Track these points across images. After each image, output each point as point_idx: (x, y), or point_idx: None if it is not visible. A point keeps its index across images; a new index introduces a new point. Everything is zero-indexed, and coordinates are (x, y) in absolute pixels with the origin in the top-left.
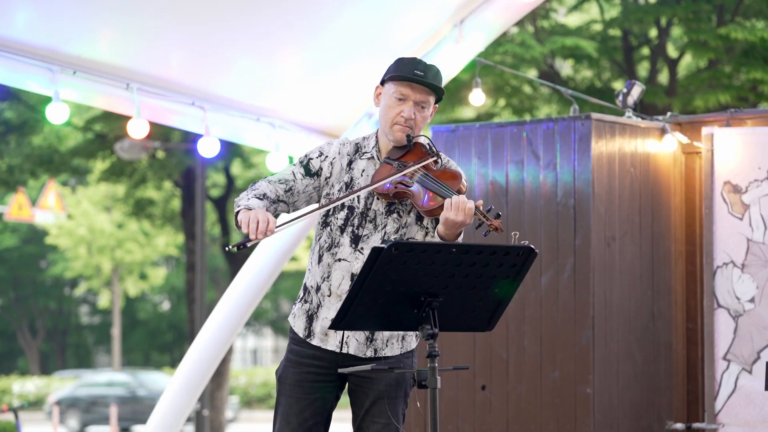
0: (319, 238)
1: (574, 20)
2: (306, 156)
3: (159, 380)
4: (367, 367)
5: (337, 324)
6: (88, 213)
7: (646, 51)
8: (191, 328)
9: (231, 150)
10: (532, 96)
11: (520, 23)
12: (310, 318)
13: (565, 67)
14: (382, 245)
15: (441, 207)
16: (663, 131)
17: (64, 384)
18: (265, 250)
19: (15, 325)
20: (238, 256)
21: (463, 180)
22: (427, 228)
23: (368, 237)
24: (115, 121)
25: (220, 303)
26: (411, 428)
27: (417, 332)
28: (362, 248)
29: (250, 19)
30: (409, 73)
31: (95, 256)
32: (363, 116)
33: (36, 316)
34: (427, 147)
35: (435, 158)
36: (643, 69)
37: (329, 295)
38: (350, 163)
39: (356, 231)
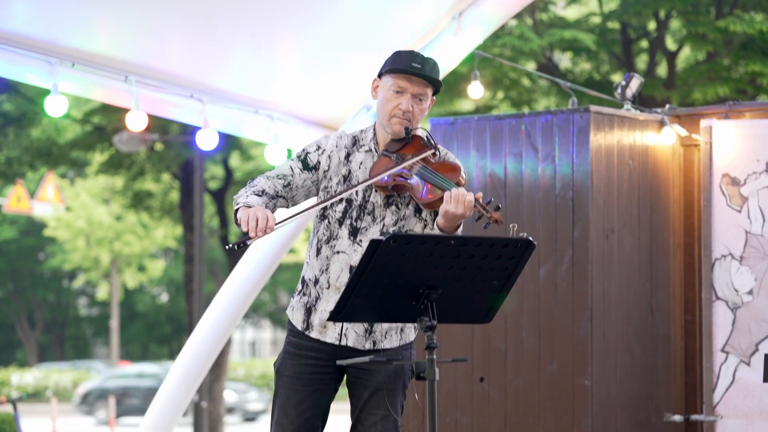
0: (317, 230)
1: (572, 13)
2: (303, 150)
3: None
4: (366, 359)
5: (336, 316)
6: (86, 205)
7: (644, 43)
8: (189, 320)
9: (229, 142)
10: (530, 89)
11: (518, 16)
12: (309, 311)
13: (564, 60)
14: (381, 237)
15: (440, 200)
16: (661, 124)
17: (62, 376)
18: (263, 243)
19: (14, 317)
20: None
21: (462, 172)
22: (425, 220)
23: (367, 229)
24: (114, 114)
25: (218, 295)
26: (409, 420)
27: (415, 324)
28: (361, 240)
29: (248, 12)
30: (407, 66)
31: (94, 248)
32: (361, 109)
33: (34, 308)
34: (425, 139)
35: (433, 150)
36: (641, 61)
37: (328, 288)
38: (348, 155)
39: (354, 223)
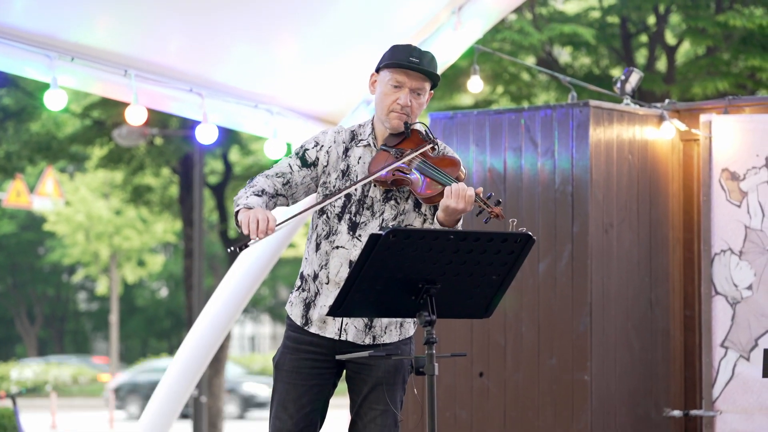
0: (316, 226)
1: (572, 7)
2: (302, 147)
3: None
4: (365, 354)
5: (335, 310)
6: (86, 200)
7: (644, 38)
8: (189, 314)
9: (229, 137)
10: (530, 83)
11: (518, 10)
12: (307, 306)
13: (564, 55)
14: (380, 232)
15: (440, 194)
16: (661, 118)
17: (61, 370)
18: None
19: (13, 311)
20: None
21: (461, 167)
22: (425, 215)
23: (366, 224)
24: (113, 108)
25: (218, 290)
26: (408, 415)
27: (415, 319)
28: (360, 235)
29: (248, 6)
30: (405, 61)
31: (93, 242)
32: (361, 103)
33: (34, 303)
34: (424, 134)
35: (432, 145)
36: (641, 56)
37: (327, 283)
38: (346, 150)
39: (354, 218)
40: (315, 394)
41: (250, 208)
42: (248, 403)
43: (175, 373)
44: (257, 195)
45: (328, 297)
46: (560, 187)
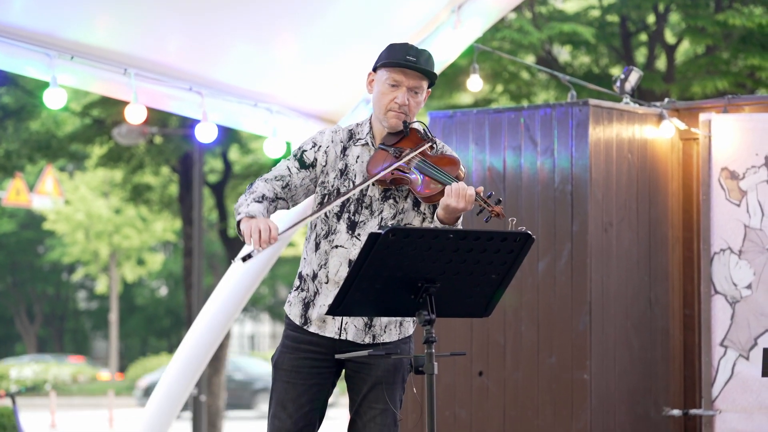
0: (315, 226)
1: (571, 6)
2: (300, 148)
3: (255, 365)
4: (365, 353)
5: (334, 310)
6: (85, 198)
7: (643, 37)
8: (189, 313)
9: (229, 135)
10: (529, 82)
11: (517, 9)
12: (306, 305)
13: (563, 53)
14: (379, 231)
15: (440, 193)
16: (660, 117)
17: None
18: None
19: (13, 310)
20: (235, 242)
21: (461, 165)
22: (424, 214)
23: (365, 223)
24: (113, 107)
25: (217, 288)
26: (408, 414)
27: (414, 318)
28: (359, 234)
29: (247, 5)
30: (402, 59)
31: (93, 241)
32: (361, 101)
33: (34, 302)
34: (423, 132)
35: (431, 144)
36: (640, 55)
37: (327, 282)
38: (344, 149)
39: (352, 217)
40: (314, 393)
41: (252, 217)
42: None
43: (175, 371)
44: (258, 201)
45: (327, 296)
46: (560, 186)
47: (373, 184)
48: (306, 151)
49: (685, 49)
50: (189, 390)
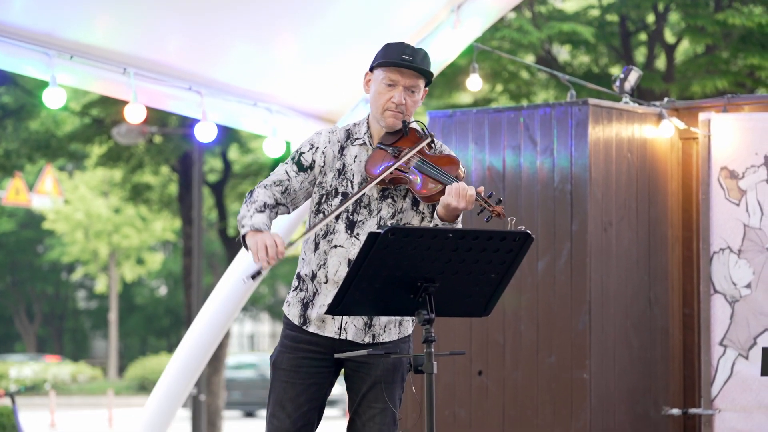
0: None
1: (571, 5)
2: (297, 151)
3: None
4: (364, 352)
5: (334, 309)
6: (85, 198)
7: (643, 36)
8: (188, 313)
9: (228, 135)
10: (529, 81)
11: (517, 8)
12: (305, 306)
13: (563, 53)
14: (379, 230)
15: (440, 193)
16: (660, 117)
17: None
18: None
19: (12, 309)
20: (234, 241)
21: (460, 165)
22: (422, 213)
23: (363, 223)
24: (112, 106)
25: (216, 288)
26: (407, 413)
27: (413, 317)
28: (358, 234)
29: (247, 4)
30: (397, 59)
31: (92, 241)
32: (360, 101)
33: (33, 301)
34: (421, 131)
35: (429, 140)
36: (640, 54)
37: (326, 282)
38: (342, 149)
39: (351, 217)
40: (313, 393)
41: (257, 230)
42: None
43: (174, 371)
44: (260, 211)
45: (326, 296)
46: (559, 185)
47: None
48: (303, 153)
49: (684, 48)
50: (188, 389)
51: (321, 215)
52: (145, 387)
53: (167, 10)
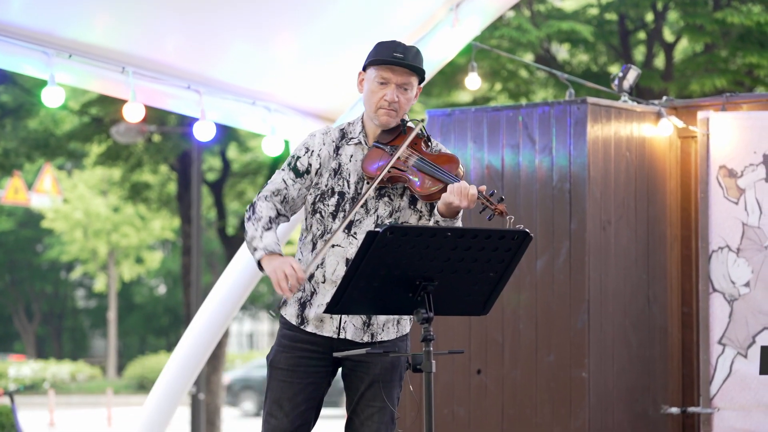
0: (311, 226)
1: (570, 4)
2: (293, 156)
3: None
4: (362, 351)
5: (332, 308)
6: (84, 197)
7: (642, 35)
8: (187, 311)
9: (227, 134)
10: (528, 80)
11: (516, 7)
12: (303, 305)
13: (561, 52)
14: (377, 229)
15: (440, 192)
16: (659, 115)
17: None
18: None
19: (11, 308)
20: (234, 240)
21: (460, 164)
22: (420, 212)
23: (361, 222)
24: (111, 105)
25: (216, 287)
26: (406, 412)
27: (411, 316)
28: (355, 233)
29: (246, 3)
30: (389, 57)
31: (91, 240)
32: (359, 100)
33: (32, 300)
34: (420, 131)
35: (420, 132)
36: (639, 53)
37: (324, 282)
38: (337, 149)
39: (348, 216)
40: (310, 392)
41: (272, 253)
42: None
43: (173, 370)
44: (267, 229)
45: (325, 296)
46: (558, 184)
47: (367, 182)
48: (300, 158)
49: (683, 47)
50: (187, 388)
51: (318, 215)
52: (144, 386)
53: (166, 9)
